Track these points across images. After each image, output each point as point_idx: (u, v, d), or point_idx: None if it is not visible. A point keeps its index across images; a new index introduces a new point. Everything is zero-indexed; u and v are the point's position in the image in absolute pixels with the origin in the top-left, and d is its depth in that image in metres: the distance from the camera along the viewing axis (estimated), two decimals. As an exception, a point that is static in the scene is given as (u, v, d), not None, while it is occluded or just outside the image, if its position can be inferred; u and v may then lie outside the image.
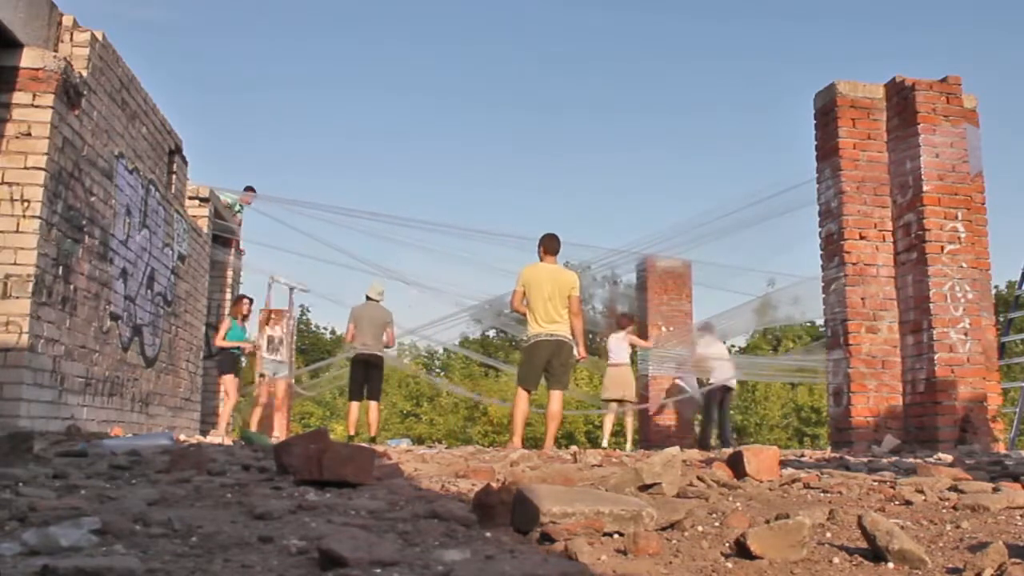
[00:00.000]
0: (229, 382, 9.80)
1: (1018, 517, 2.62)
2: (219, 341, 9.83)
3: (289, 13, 58.73)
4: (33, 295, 6.04)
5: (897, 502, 2.98)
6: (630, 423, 11.30)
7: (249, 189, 12.28)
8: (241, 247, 12.46)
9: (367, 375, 9.55)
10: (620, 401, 10.91)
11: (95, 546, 1.69)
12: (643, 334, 14.66)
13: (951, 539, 2.22)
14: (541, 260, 7.41)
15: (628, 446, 10.86)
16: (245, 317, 10.14)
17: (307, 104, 60.01)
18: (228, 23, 58.67)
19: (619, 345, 10.99)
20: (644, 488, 2.89)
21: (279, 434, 10.74)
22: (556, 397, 7.31)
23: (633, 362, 12.16)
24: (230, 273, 12.22)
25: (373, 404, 9.67)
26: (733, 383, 11.54)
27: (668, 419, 14.24)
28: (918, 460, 4.95)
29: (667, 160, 56.86)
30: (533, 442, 20.32)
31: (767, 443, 14.55)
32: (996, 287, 23.74)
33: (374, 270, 12.26)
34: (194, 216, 10.53)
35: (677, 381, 13.18)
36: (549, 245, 7.41)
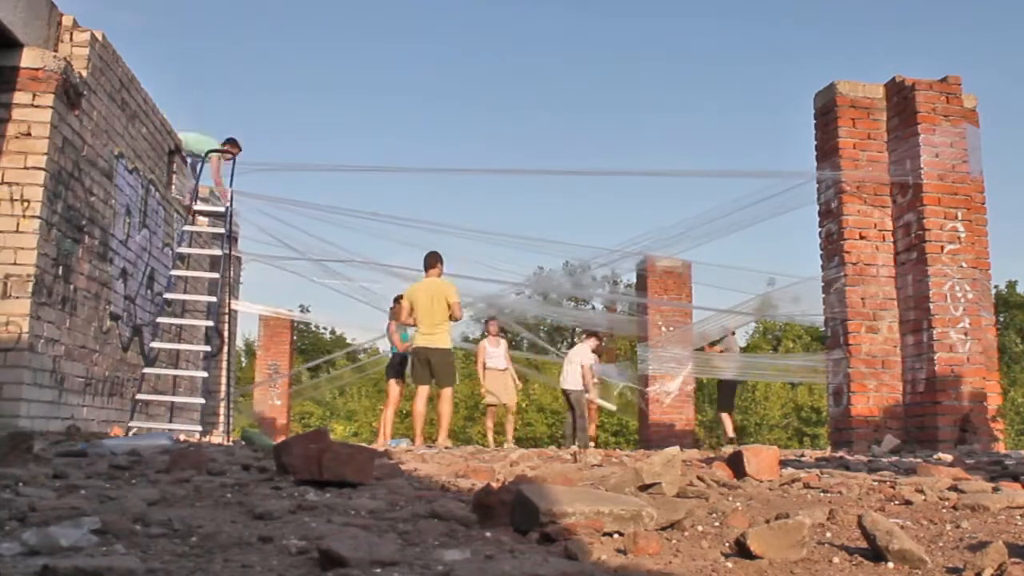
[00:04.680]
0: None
1: (1018, 517, 2.62)
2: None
3: (284, 14, 58.75)
4: (33, 295, 6.03)
5: (897, 502, 2.99)
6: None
7: (231, 143, 9.77)
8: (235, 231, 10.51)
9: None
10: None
11: (95, 546, 1.69)
12: (642, 334, 14.68)
13: (951, 539, 2.22)
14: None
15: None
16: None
17: (305, 104, 60.02)
18: (217, 25, 58.69)
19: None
20: (644, 488, 2.89)
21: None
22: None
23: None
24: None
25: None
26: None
27: (668, 419, 14.25)
28: (918, 460, 4.95)
29: (667, 160, 56.83)
30: (533, 442, 20.32)
31: (767, 443, 14.55)
32: (996, 287, 23.74)
33: (375, 269, 12.19)
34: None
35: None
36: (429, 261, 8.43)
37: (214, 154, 9.63)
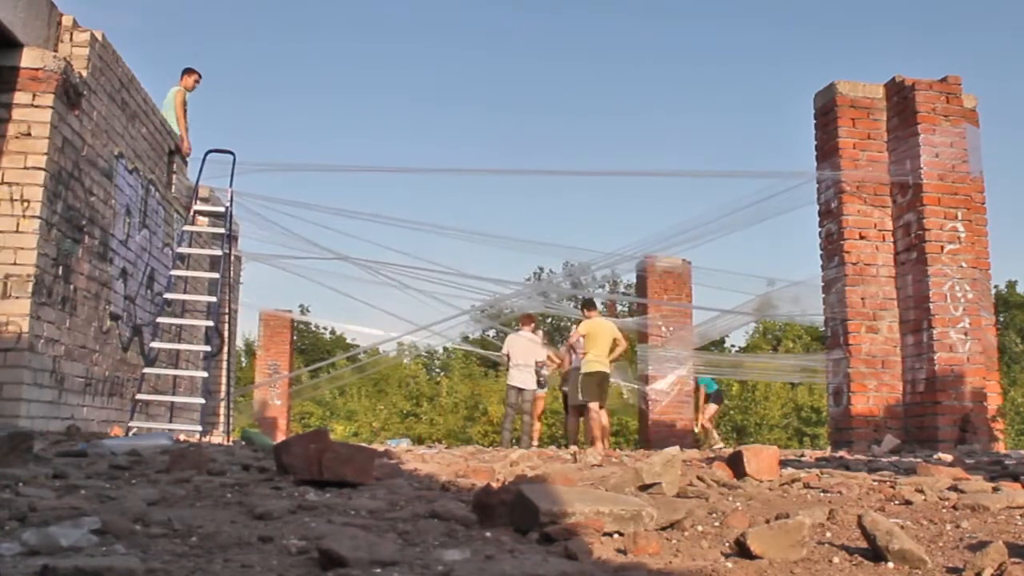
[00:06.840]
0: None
1: (1018, 517, 2.61)
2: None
3: (283, 14, 58.76)
4: (33, 295, 6.03)
5: (897, 502, 2.98)
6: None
7: (189, 72, 9.92)
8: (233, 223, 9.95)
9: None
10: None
11: (95, 546, 1.69)
12: (642, 335, 14.68)
13: (951, 539, 2.22)
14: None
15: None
16: None
17: (305, 104, 60.05)
18: (216, 25, 58.71)
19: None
20: (644, 488, 2.89)
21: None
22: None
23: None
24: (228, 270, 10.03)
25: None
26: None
27: (668, 418, 14.26)
28: (918, 460, 4.95)
29: (667, 161, 56.86)
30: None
31: (767, 443, 14.55)
32: (996, 287, 23.74)
33: (372, 270, 12.16)
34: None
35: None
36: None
37: (175, 89, 9.69)
